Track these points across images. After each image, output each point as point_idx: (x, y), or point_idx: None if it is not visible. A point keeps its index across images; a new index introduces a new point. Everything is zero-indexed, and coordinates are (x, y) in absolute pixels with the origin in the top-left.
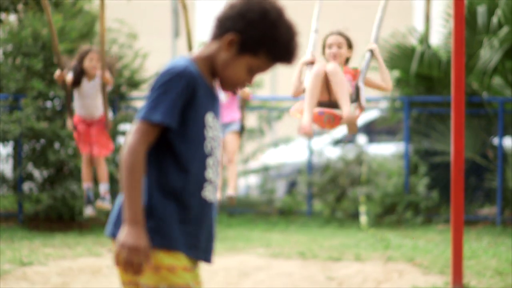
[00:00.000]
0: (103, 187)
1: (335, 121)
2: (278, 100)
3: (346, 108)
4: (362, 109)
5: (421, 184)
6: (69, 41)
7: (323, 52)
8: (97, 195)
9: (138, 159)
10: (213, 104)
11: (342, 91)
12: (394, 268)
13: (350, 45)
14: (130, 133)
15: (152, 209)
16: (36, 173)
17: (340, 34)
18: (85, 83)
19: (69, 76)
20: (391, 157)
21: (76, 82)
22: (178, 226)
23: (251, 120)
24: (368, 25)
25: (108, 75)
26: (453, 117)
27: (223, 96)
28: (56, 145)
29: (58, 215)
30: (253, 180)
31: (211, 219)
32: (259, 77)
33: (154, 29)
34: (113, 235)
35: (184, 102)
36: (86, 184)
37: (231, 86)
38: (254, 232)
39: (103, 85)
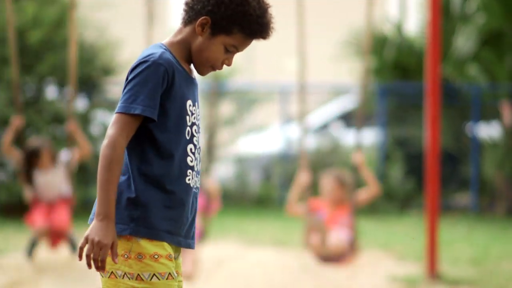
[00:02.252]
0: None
1: None
2: (253, 87)
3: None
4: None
5: (396, 171)
6: (42, 29)
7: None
8: None
9: (117, 153)
10: (191, 89)
11: None
12: (368, 255)
13: (343, 185)
14: (110, 125)
15: (136, 198)
16: (9, 162)
17: (334, 177)
18: (41, 176)
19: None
20: (367, 145)
21: (29, 180)
22: (162, 213)
23: (227, 108)
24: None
25: (84, 148)
26: (428, 105)
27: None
28: (30, 133)
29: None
30: (228, 168)
31: (194, 205)
32: (235, 64)
33: (126, 16)
34: None
35: (163, 90)
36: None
37: (208, 69)
38: (229, 221)
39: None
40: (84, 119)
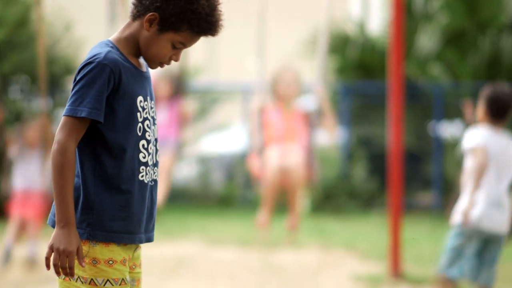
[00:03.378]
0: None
1: None
2: (216, 88)
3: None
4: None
5: (360, 170)
6: (5, 28)
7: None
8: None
9: (68, 158)
10: (142, 84)
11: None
12: (332, 255)
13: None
14: (58, 129)
15: (90, 202)
16: None
17: (290, 72)
18: (28, 153)
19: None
20: (331, 144)
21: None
22: (119, 214)
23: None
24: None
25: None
26: (391, 104)
27: (162, 116)
28: None
29: None
30: (192, 168)
31: (151, 200)
32: (198, 63)
33: (89, 15)
34: (54, 226)
35: (110, 91)
36: (8, 242)
37: (157, 64)
38: (192, 220)
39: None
40: (47, 118)
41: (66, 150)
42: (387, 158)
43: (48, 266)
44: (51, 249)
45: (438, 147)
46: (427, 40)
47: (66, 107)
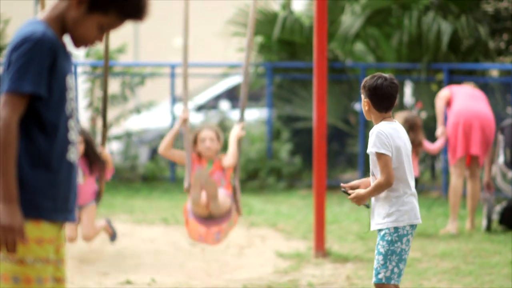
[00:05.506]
0: None
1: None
2: (140, 66)
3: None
4: (239, 213)
5: (284, 149)
6: None
7: (195, 146)
8: None
9: (12, 134)
10: (69, 63)
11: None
12: (256, 233)
13: (219, 138)
14: (1, 106)
15: (23, 180)
16: None
17: (211, 129)
18: None
19: None
20: (254, 122)
21: None
22: (50, 191)
23: (114, 86)
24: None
25: None
26: (315, 83)
27: (79, 178)
28: None
29: None
30: (116, 146)
31: (75, 179)
32: (121, 43)
33: None
34: None
35: (48, 69)
36: None
37: (82, 44)
38: (117, 199)
39: None
40: None
41: (10, 126)
42: (312, 137)
43: None
44: None
45: (362, 125)
46: (352, 19)
47: (8, 84)
